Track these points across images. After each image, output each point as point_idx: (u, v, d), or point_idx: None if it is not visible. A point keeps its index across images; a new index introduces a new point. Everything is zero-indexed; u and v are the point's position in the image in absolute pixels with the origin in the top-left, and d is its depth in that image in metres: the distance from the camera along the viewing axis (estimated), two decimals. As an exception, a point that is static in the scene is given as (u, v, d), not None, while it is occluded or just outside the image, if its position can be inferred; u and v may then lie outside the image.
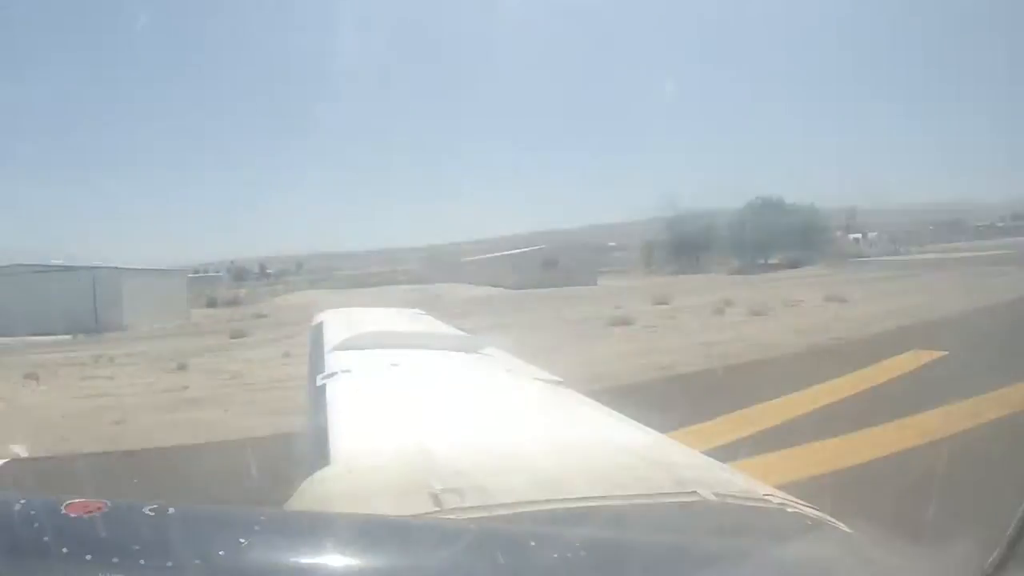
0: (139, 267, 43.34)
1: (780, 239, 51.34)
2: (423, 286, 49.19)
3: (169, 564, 0.87)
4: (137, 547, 0.88)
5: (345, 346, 3.14)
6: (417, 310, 5.57)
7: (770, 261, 50.60)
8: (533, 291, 37.95)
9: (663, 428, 2.10)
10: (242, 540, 0.91)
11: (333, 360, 2.89)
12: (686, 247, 56.76)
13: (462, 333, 4.14)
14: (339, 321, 4.27)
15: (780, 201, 56.23)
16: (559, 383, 2.76)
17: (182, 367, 16.52)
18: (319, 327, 4.06)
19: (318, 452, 1.75)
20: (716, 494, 1.37)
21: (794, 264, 44.16)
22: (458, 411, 2.16)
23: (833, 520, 1.36)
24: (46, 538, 0.89)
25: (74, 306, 35.23)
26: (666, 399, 9.11)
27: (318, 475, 1.53)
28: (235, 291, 59.10)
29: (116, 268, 40.21)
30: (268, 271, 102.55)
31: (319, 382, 2.55)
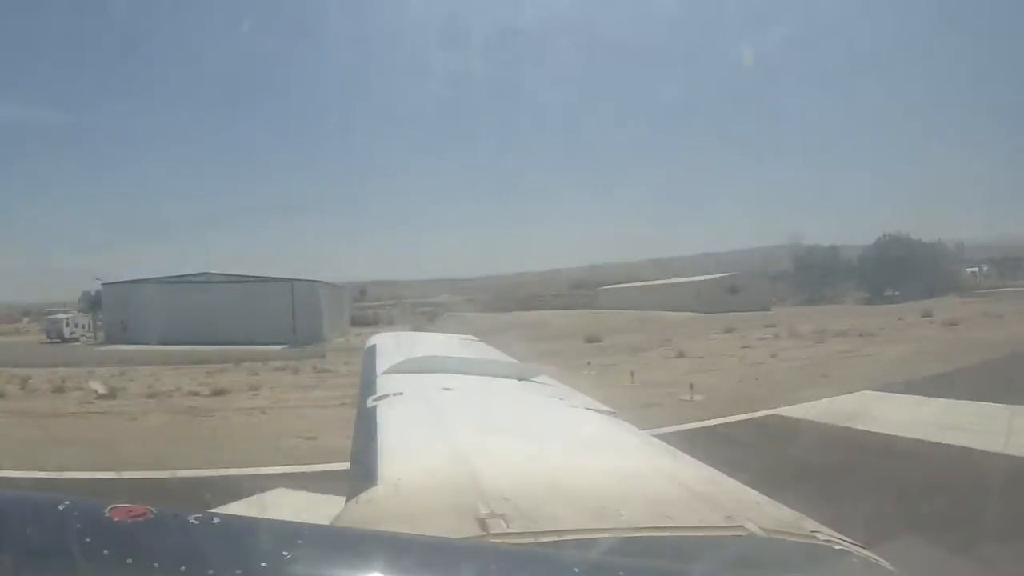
0: (324, 280, 43.76)
1: (908, 272, 54.87)
2: (601, 311, 51.56)
3: (211, 573, 0.87)
4: (179, 554, 0.89)
5: (398, 369, 3.16)
6: (470, 336, 5.54)
7: (895, 293, 54.09)
8: (730, 314, 39.80)
9: None
10: (285, 553, 0.90)
11: (385, 383, 2.92)
12: (811, 279, 60.48)
13: (514, 360, 4.13)
14: (392, 345, 4.32)
15: (907, 238, 60.31)
16: (611, 413, 2.73)
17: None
18: (372, 350, 4.12)
19: (367, 472, 1.77)
20: (764, 529, 1.35)
21: (924, 295, 46.56)
22: (508, 437, 2.14)
23: (879, 559, 1.32)
24: (88, 540, 0.90)
25: (272, 316, 36.08)
26: None
27: (365, 495, 1.53)
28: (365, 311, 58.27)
29: (313, 281, 41.20)
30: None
31: (370, 403, 2.58)
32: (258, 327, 34.30)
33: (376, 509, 1.45)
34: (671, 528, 1.34)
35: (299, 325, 36.65)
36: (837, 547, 1.34)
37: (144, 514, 0.94)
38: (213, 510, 1.05)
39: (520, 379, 3.25)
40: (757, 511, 1.49)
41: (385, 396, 2.62)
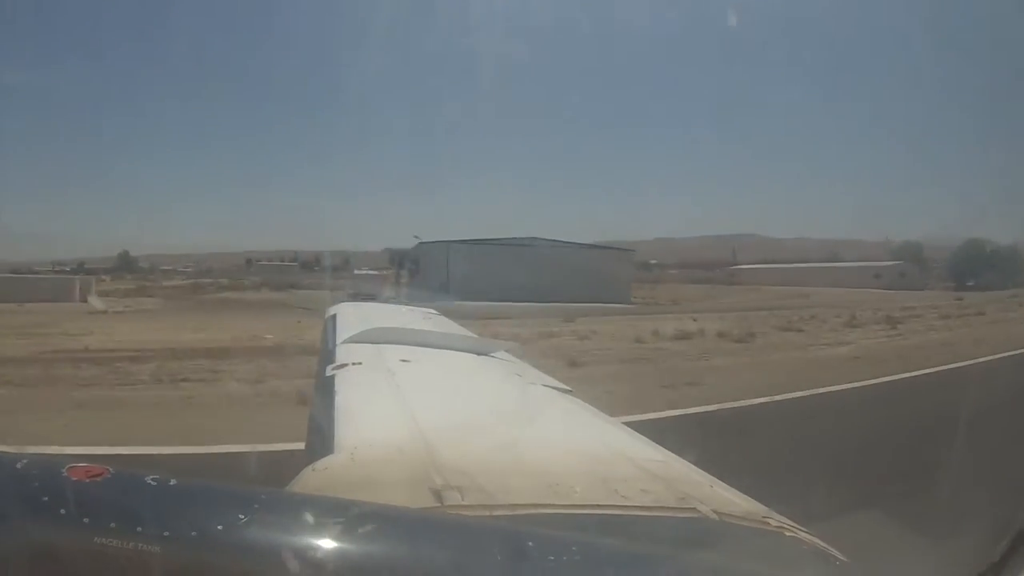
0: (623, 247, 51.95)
1: (987, 268, 66.35)
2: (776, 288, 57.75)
3: (166, 534, 0.88)
4: (135, 515, 0.89)
5: (357, 339, 3.14)
6: (430, 309, 5.48)
7: (974, 284, 64.40)
8: (906, 292, 47.74)
9: None
10: (241, 516, 0.91)
11: (344, 352, 2.89)
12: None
13: (474, 335, 4.08)
14: (352, 314, 4.27)
15: (987, 241, 73.36)
16: (568, 391, 2.73)
17: None
18: (332, 319, 4.07)
19: (323, 440, 1.79)
20: (716, 512, 1.37)
21: (999, 287, 53.55)
22: (465, 411, 2.17)
23: (831, 548, 1.34)
24: (45, 498, 0.89)
25: (594, 278, 40.28)
26: None
27: (321, 462, 1.54)
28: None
29: (626, 250, 50.03)
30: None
31: (329, 372, 2.56)
32: (575, 288, 37.78)
33: (331, 477, 1.46)
34: (624, 507, 1.36)
35: (618, 287, 42.29)
36: (788, 534, 1.36)
37: (102, 474, 0.94)
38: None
39: (480, 354, 3.24)
40: (710, 494, 1.51)
41: (344, 365, 2.62)
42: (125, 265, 75.68)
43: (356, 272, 52.12)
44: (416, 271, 47.82)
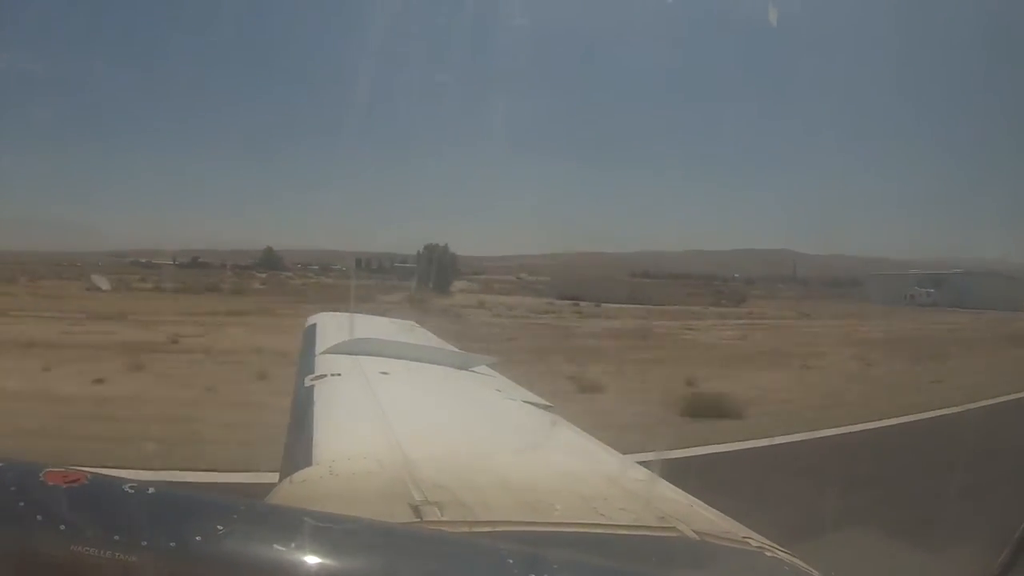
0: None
1: None
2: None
3: (144, 543, 0.86)
4: (113, 522, 0.88)
5: (337, 350, 3.12)
6: (411, 322, 5.51)
7: None
8: None
9: None
10: (219, 527, 0.90)
11: (323, 363, 2.88)
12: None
13: (456, 349, 4.09)
14: (332, 325, 4.23)
15: None
16: (548, 407, 2.73)
17: None
18: (311, 329, 4.06)
19: (302, 452, 1.76)
20: (696, 532, 1.37)
21: None
22: (445, 426, 2.16)
23: (810, 569, 1.34)
24: (21, 504, 0.87)
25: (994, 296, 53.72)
26: None
27: (299, 475, 1.53)
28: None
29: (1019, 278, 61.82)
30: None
31: (307, 383, 2.55)
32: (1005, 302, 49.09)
33: (310, 489, 1.45)
34: (604, 525, 1.35)
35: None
36: (768, 554, 1.36)
37: (80, 480, 0.92)
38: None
39: (460, 368, 3.24)
40: (690, 514, 1.51)
41: (323, 376, 2.61)
42: (269, 262, 67.23)
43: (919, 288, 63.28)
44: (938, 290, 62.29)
